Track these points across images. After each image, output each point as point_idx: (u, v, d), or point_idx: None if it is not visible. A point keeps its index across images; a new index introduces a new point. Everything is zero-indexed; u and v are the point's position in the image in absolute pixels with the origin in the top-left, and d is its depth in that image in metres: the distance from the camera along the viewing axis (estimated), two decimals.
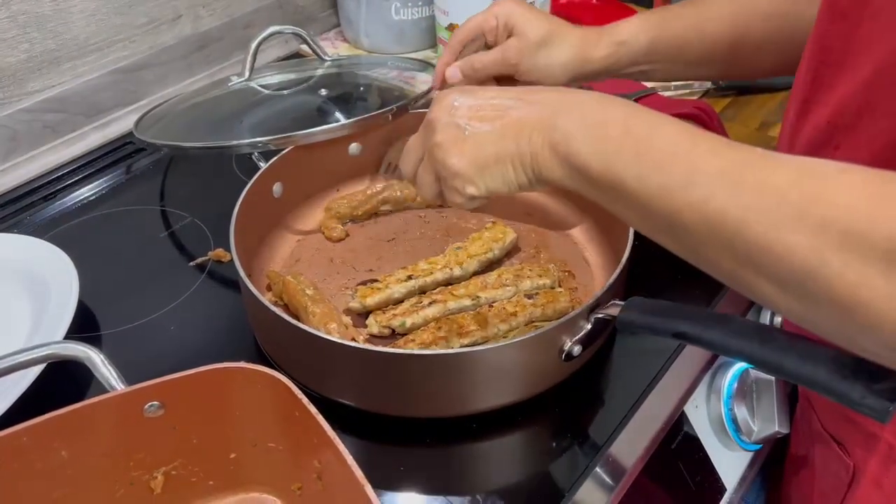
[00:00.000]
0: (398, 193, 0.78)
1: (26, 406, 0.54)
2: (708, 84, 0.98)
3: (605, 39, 0.67)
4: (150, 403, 0.47)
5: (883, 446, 0.53)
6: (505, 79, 0.69)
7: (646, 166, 0.39)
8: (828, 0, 0.47)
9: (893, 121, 0.41)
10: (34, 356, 0.49)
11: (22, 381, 0.57)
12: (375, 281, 0.69)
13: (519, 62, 0.66)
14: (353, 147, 0.79)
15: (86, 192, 0.87)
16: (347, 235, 0.76)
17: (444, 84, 0.69)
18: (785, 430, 0.63)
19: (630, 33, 0.66)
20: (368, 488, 0.41)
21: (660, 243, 0.41)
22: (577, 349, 0.56)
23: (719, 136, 0.39)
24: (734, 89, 0.98)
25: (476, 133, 0.45)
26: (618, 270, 0.59)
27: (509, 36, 0.67)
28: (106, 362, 0.48)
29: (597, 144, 0.41)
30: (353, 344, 0.55)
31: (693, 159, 0.38)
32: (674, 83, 0.99)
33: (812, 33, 0.49)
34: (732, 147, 0.38)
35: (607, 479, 0.56)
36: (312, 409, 0.45)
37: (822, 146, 0.48)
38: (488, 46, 0.69)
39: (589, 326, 0.56)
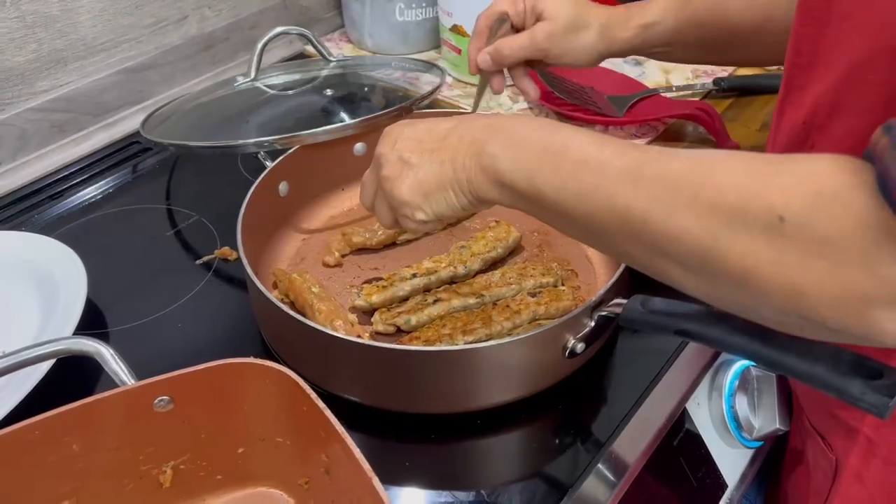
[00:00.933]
0: None
1: (36, 402, 0.55)
2: (710, 84, 0.98)
3: (633, 21, 0.67)
4: (159, 398, 0.48)
5: (862, 440, 0.54)
6: (535, 62, 0.69)
7: (561, 177, 0.43)
8: (801, 3, 0.48)
9: (862, 120, 0.42)
10: (46, 351, 0.50)
11: (32, 377, 0.57)
12: (380, 279, 0.69)
13: (549, 47, 0.67)
14: (359, 147, 0.80)
15: (93, 190, 0.88)
16: (340, 265, 0.74)
17: (478, 70, 0.71)
18: (785, 428, 0.64)
19: (656, 15, 0.67)
20: (376, 481, 0.41)
21: (587, 245, 0.45)
22: (580, 346, 0.57)
23: (625, 141, 0.43)
24: (736, 90, 0.98)
25: (417, 164, 0.49)
26: (621, 268, 0.59)
27: (537, 20, 0.67)
28: (116, 357, 0.49)
29: (519, 164, 0.45)
30: (359, 340, 0.55)
31: (601, 164, 0.41)
32: (675, 84, 1.00)
33: (790, 36, 0.50)
34: (636, 148, 0.42)
35: (610, 476, 0.56)
36: (320, 403, 0.46)
37: (799, 145, 0.49)
38: (515, 30, 0.69)
39: (592, 324, 0.57)
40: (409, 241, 0.76)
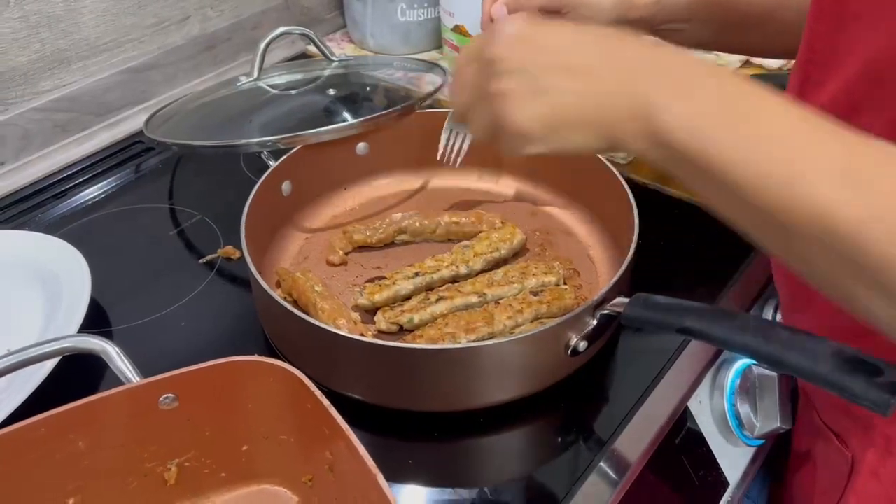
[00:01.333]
0: (416, 224, 0.75)
1: (40, 401, 0.55)
2: None
3: None
4: (164, 396, 0.48)
5: (880, 439, 0.54)
6: (550, 13, 0.67)
7: (745, 152, 0.35)
8: (814, 2, 0.48)
9: (881, 117, 0.42)
10: (51, 349, 0.50)
11: (36, 375, 0.57)
12: (383, 278, 0.70)
13: None
14: (361, 146, 0.80)
15: (96, 190, 0.88)
16: (345, 263, 0.74)
17: (490, 20, 0.65)
18: (787, 426, 0.64)
19: None
20: (380, 478, 0.41)
21: (749, 234, 0.38)
22: (582, 345, 0.57)
23: (827, 118, 0.35)
24: None
25: (552, 91, 0.40)
26: (623, 267, 0.60)
27: None
28: (122, 355, 0.49)
29: (690, 121, 0.36)
30: (362, 338, 0.56)
31: (804, 147, 0.34)
32: None
33: (804, 31, 0.50)
34: (847, 133, 0.34)
35: (612, 474, 0.57)
36: (324, 400, 0.46)
37: None
38: None
39: (594, 322, 0.57)
40: (408, 243, 0.76)
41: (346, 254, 0.74)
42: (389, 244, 0.76)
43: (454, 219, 0.76)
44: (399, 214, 0.76)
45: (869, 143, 0.34)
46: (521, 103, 0.41)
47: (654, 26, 0.68)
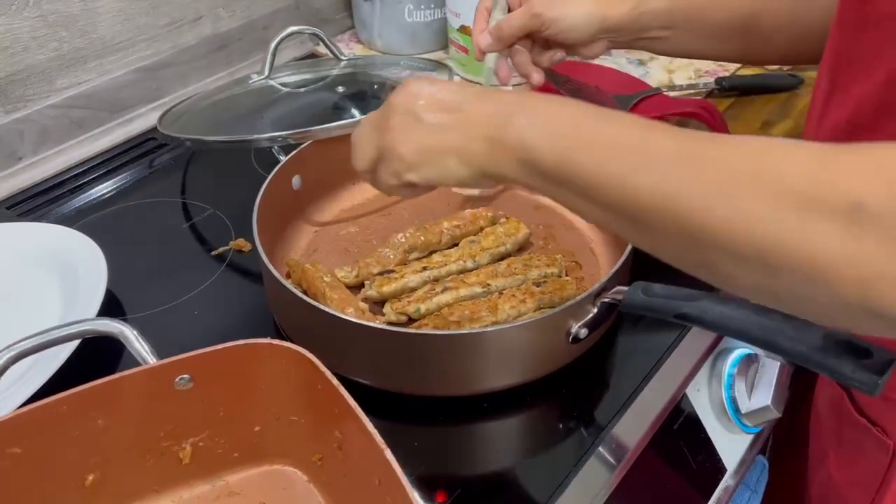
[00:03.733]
0: (422, 239, 0.75)
1: (60, 384, 0.57)
2: (712, 84, 1.00)
3: None
4: (180, 377, 0.50)
5: None
6: (538, 41, 0.71)
7: (598, 156, 0.40)
8: (839, 7, 0.49)
9: None
10: (72, 331, 0.52)
11: (57, 359, 0.59)
12: (392, 271, 0.71)
13: (543, 11, 0.68)
14: None
15: (110, 185, 0.90)
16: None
17: (482, 54, 0.72)
18: (779, 414, 0.66)
19: None
20: (388, 453, 0.43)
21: (617, 233, 0.42)
22: (583, 332, 0.59)
23: (669, 125, 0.40)
24: (737, 89, 1.00)
25: (427, 123, 0.46)
26: (623, 257, 0.61)
27: None
28: (139, 338, 0.51)
29: (550, 138, 0.41)
30: (371, 324, 0.57)
31: (646, 143, 0.39)
32: (678, 83, 1.02)
33: (828, 38, 0.51)
34: (683, 130, 0.39)
35: (611, 459, 0.58)
36: (335, 380, 0.48)
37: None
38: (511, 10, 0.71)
39: (595, 310, 0.59)
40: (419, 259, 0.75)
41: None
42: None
43: (455, 223, 0.76)
44: (400, 236, 0.74)
45: (689, 131, 0.39)
46: (401, 133, 0.47)
47: (635, 35, 0.70)
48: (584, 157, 0.40)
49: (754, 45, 0.69)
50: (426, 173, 0.47)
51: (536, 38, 0.73)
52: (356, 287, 0.72)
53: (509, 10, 0.72)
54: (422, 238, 0.75)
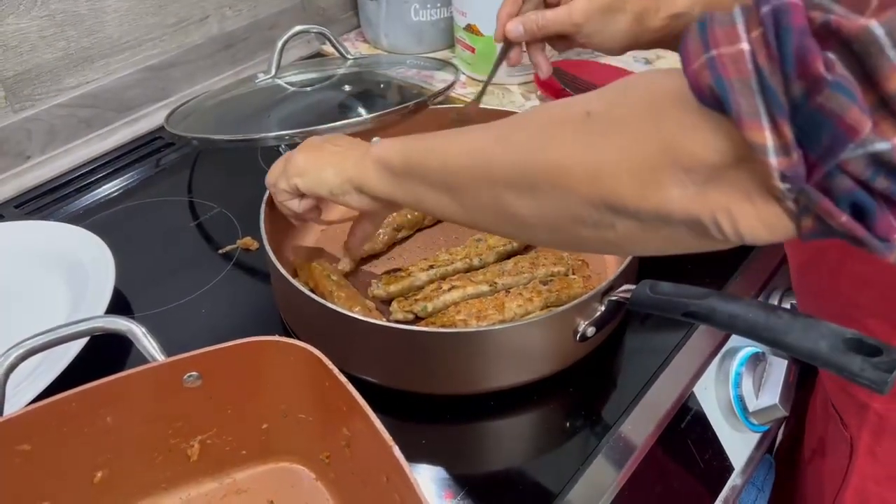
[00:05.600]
0: (408, 217, 0.77)
1: (68, 381, 0.57)
2: None
3: (662, 11, 0.67)
4: (188, 374, 0.50)
5: (873, 416, 0.55)
6: (561, 39, 0.70)
7: (428, 144, 0.49)
8: None
9: None
10: (81, 329, 0.52)
11: (65, 356, 0.60)
12: (399, 270, 0.72)
13: (583, 23, 0.67)
14: (375, 141, 0.81)
15: (117, 183, 0.91)
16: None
17: (504, 38, 0.72)
18: (786, 413, 0.66)
19: (685, 5, 0.67)
20: (396, 450, 0.43)
21: (453, 218, 0.49)
22: (591, 330, 0.59)
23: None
24: None
25: (325, 148, 0.59)
26: (630, 256, 0.61)
27: None
28: (148, 335, 0.51)
29: (400, 147, 0.52)
30: (378, 322, 0.57)
31: (467, 131, 0.47)
32: None
33: None
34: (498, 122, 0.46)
35: (618, 457, 0.58)
36: (342, 378, 0.48)
37: None
38: (547, 5, 0.71)
39: (602, 308, 0.59)
40: (406, 239, 0.78)
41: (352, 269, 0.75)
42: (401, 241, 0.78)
43: None
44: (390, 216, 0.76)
45: (516, 119, 0.45)
46: (304, 149, 0.60)
47: (665, 46, 0.69)
48: (419, 151, 0.50)
49: None
50: (309, 180, 0.58)
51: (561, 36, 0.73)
52: (355, 275, 0.73)
53: (545, 5, 0.71)
54: (408, 216, 0.76)
